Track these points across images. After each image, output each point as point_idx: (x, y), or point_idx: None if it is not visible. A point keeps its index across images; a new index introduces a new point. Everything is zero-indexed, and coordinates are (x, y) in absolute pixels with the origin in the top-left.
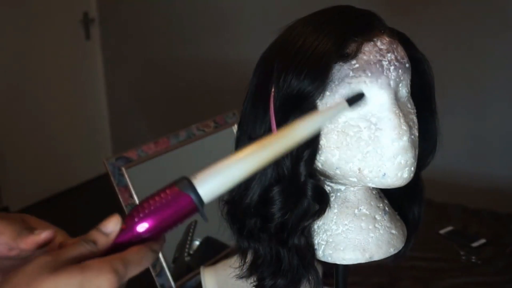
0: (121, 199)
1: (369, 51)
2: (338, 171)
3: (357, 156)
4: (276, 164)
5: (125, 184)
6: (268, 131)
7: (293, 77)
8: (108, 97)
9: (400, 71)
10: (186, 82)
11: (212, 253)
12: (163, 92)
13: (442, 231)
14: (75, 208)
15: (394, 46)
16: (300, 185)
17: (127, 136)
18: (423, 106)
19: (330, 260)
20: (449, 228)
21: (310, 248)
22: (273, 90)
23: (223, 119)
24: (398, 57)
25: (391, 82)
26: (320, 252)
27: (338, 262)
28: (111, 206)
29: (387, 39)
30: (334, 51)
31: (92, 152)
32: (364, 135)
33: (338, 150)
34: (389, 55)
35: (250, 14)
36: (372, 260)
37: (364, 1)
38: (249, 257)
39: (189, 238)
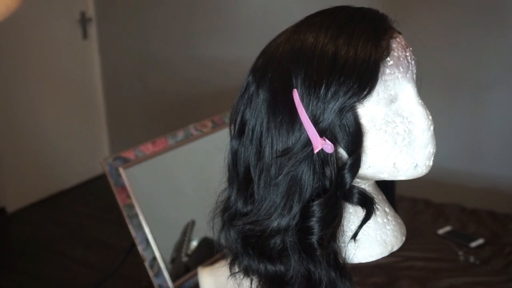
0: (118, 200)
1: (396, 47)
2: (370, 170)
3: (394, 151)
4: (317, 178)
5: (122, 185)
6: (304, 138)
7: (338, 85)
8: (105, 97)
9: (415, 64)
10: (183, 81)
11: (210, 253)
12: (161, 92)
13: (440, 231)
14: (73, 209)
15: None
16: (344, 194)
17: (125, 136)
18: None
19: (356, 260)
20: (447, 228)
21: (339, 255)
22: (296, 98)
23: (220, 119)
24: (412, 51)
25: (414, 76)
26: (343, 255)
27: (364, 261)
28: (109, 207)
29: (399, 34)
30: (378, 52)
31: (89, 152)
32: (400, 129)
33: (376, 147)
34: (408, 49)
35: (249, 13)
36: (393, 251)
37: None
38: (244, 263)
39: (186, 238)
